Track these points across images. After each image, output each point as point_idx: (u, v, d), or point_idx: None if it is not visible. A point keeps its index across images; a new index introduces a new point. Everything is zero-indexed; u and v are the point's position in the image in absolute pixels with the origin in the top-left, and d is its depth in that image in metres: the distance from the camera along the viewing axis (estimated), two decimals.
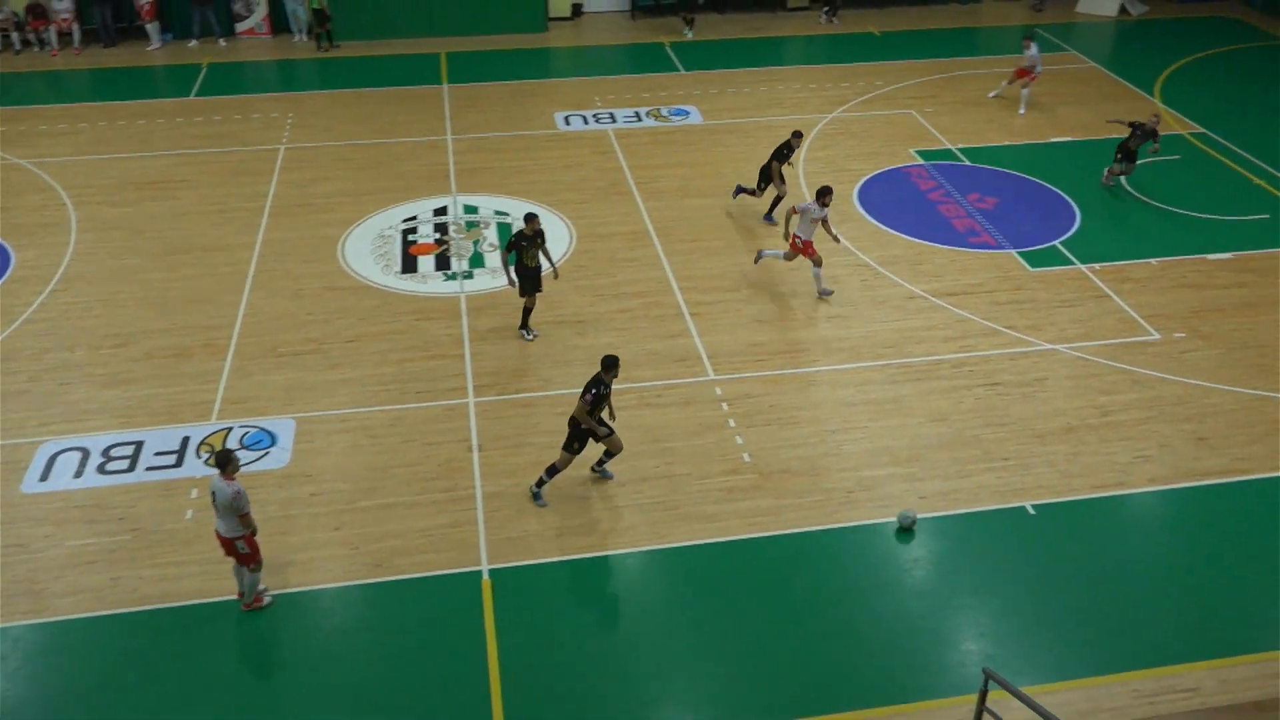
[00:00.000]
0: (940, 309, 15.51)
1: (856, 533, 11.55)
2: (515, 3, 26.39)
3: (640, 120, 21.66)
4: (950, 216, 18.05)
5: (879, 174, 19.58)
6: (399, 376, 13.86)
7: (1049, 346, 14.69)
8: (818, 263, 15.16)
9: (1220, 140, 21.00)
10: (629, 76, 24.03)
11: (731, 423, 13.16)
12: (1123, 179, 18.82)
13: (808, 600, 10.63)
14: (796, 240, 15.14)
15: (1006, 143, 20.89)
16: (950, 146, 20.60)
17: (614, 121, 21.63)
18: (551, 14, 27.43)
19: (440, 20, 26.31)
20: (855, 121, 21.71)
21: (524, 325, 14.58)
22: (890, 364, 14.29)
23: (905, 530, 11.55)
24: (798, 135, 17.20)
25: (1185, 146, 20.86)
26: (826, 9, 27.65)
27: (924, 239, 17.27)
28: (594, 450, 12.35)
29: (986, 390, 13.80)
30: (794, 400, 13.56)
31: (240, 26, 26.37)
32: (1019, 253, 17.01)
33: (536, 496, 11.73)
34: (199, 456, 12.44)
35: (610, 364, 11.20)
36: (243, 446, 12.61)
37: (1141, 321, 15.30)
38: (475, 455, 12.48)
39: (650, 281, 16.07)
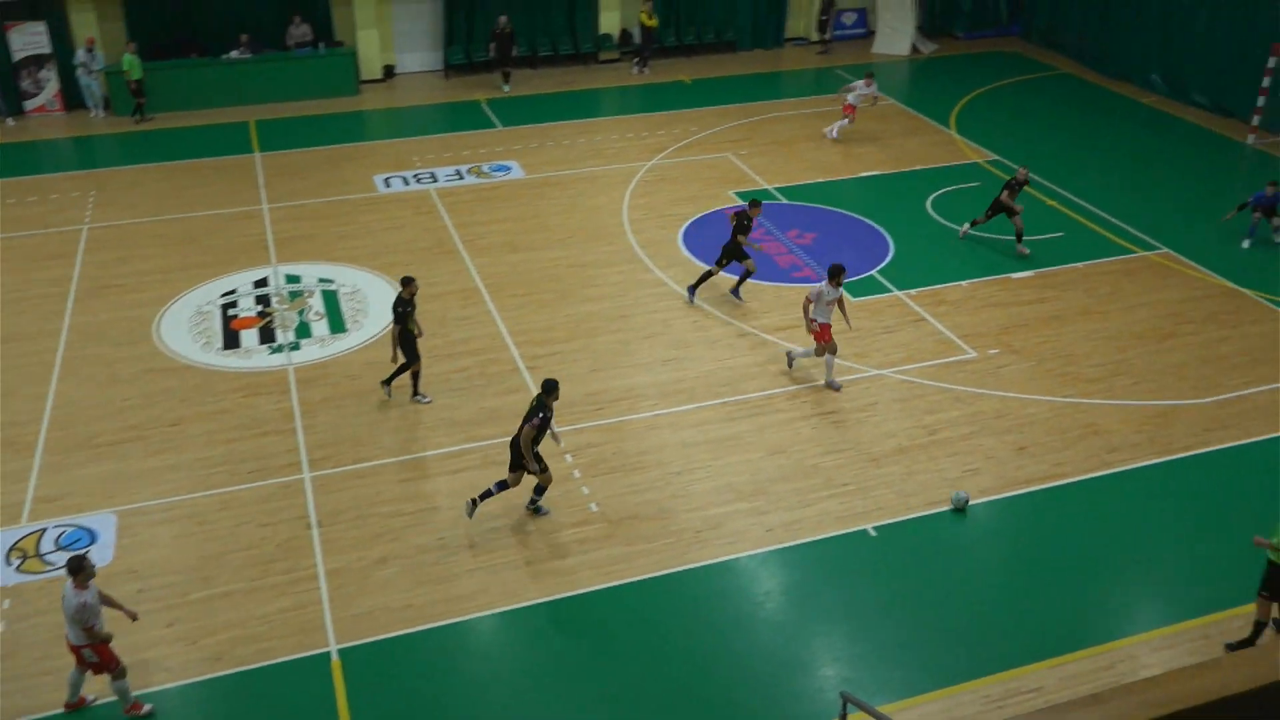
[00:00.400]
0: (771, 344, 15.80)
1: (709, 572, 11.61)
2: (325, 67, 26.09)
3: (462, 178, 21.61)
4: (773, 254, 18.43)
5: (701, 217, 19.98)
6: (228, 457, 13.36)
7: (876, 372, 15.13)
8: (833, 351, 14.43)
9: (1013, 166, 22.26)
10: (447, 135, 23.99)
11: (576, 474, 13.10)
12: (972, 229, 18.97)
13: (668, 643, 10.61)
14: (814, 325, 14.29)
15: (819, 179, 21.62)
16: (767, 186, 21.17)
17: (435, 181, 21.51)
18: (363, 76, 27.19)
19: (248, 88, 25.78)
20: (674, 167, 22.15)
21: (416, 391, 14.37)
22: (727, 402, 14.47)
23: (959, 511, 12.05)
24: (755, 204, 16.45)
25: (983, 174, 22.01)
26: (637, 60, 28.16)
27: (750, 278, 17.68)
28: (526, 488, 12.30)
29: (821, 419, 14.09)
30: (636, 446, 13.58)
31: (30, 104, 25.22)
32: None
33: (474, 506, 11.78)
34: (9, 564, 11.63)
35: (550, 387, 11.35)
36: (58, 548, 11.90)
37: (958, 341, 15.93)
38: (315, 532, 12.11)
39: (485, 339, 15.95)
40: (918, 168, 22.06)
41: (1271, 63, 23.09)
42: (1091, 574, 11.60)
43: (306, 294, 17.35)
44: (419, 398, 14.34)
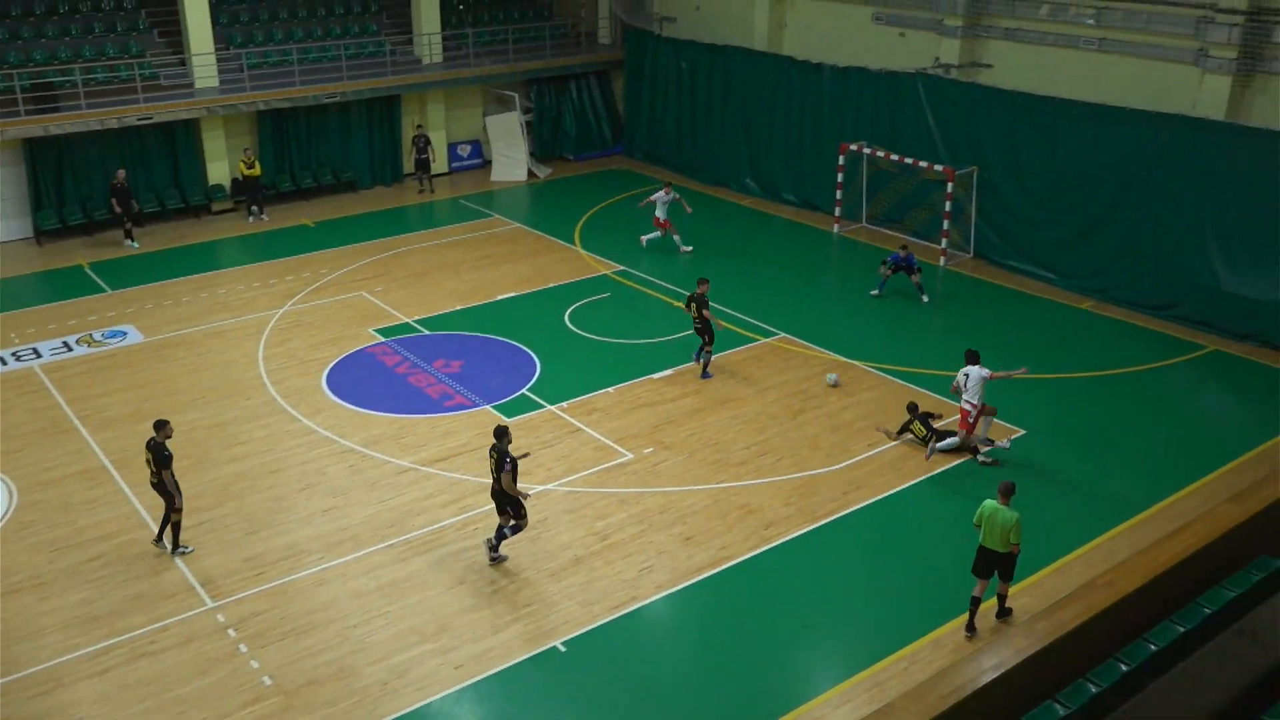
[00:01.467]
0: (433, 476, 15.58)
1: None
2: None
3: (71, 350, 19.97)
4: (422, 386, 18.34)
5: (344, 358, 19.54)
6: None
7: (542, 488, 15.20)
8: (970, 430, 15.38)
9: (637, 273, 23.57)
10: (48, 305, 22.12)
11: (243, 648, 12.19)
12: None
13: None
14: (969, 409, 15.31)
15: (459, 307, 21.79)
16: (407, 319, 21.10)
17: (39, 356, 19.74)
18: None
19: None
20: (309, 311, 21.56)
21: (175, 543, 13.92)
22: (395, 542, 14.07)
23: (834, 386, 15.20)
24: (703, 281, 18.15)
25: (612, 284, 22.99)
26: (251, 207, 27.42)
27: (402, 413, 17.40)
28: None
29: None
30: (306, 605, 12.86)
31: None
32: (493, 407, 17.57)
33: (494, 550, 12.94)
34: None
35: (502, 432, 12.66)
36: None
37: (614, 446, 16.33)
38: None
39: (118, 520, 14.66)
40: (551, 285, 22.74)
41: (841, 160, 26.00)
42: (769, 647, 12.05)
43: None
44: (183, 547, 13.90)
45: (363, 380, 18.38)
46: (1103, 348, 19.97)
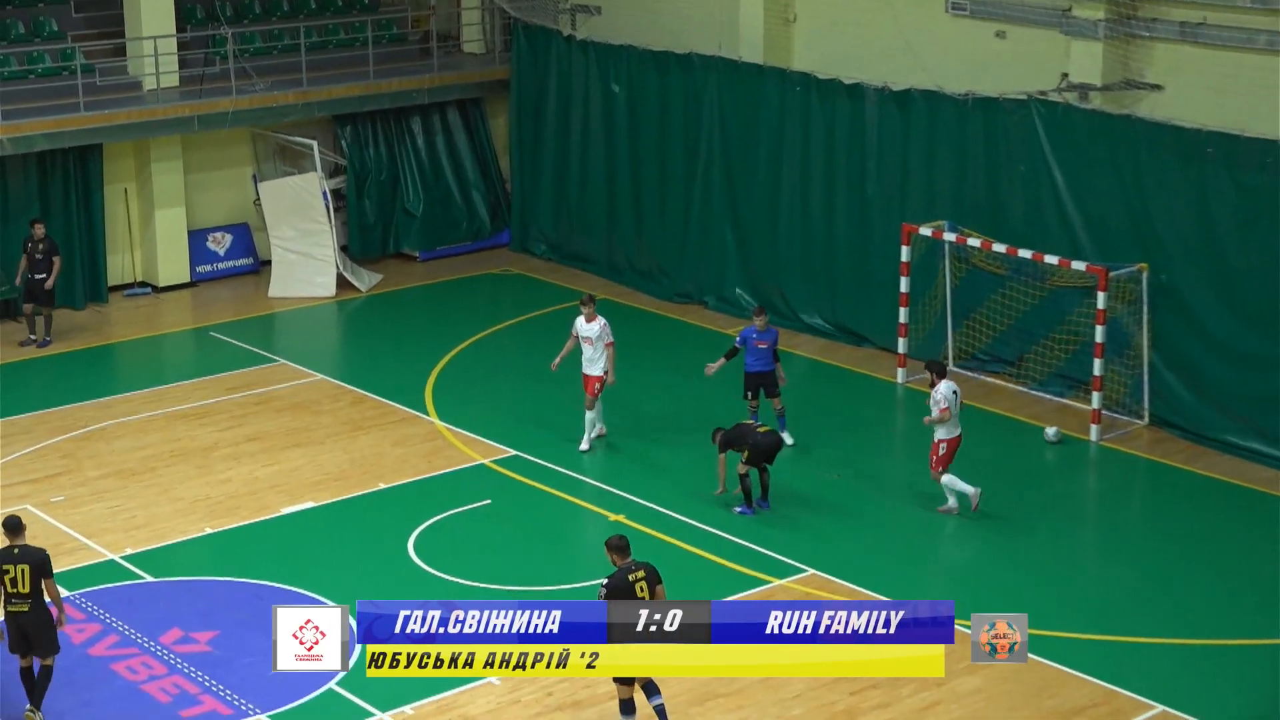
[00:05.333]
0: None
1: None
2: None
3: None
4: (139, 680, 18.34)
5: None
6: None
7: None
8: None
9: (533, 459, 23.68)
10: None
11: None
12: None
13: None
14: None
15: (206, 530, 21.92)
16: (110, 555, 21.18)
17: None
18: None
19: None
20: None
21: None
22: None
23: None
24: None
25: (492, 482, 23.33)
26: None
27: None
28: None
29: None
30: None
31: None
32: (271, 717, 17.58)
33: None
34: None
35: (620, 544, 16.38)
36: None
37: None
38: None
39: None
40: (383, 486, 23.11)
41: (905, 254, 26.19)
42: None
43: None
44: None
45: (13, 675, 17.52)
46: None
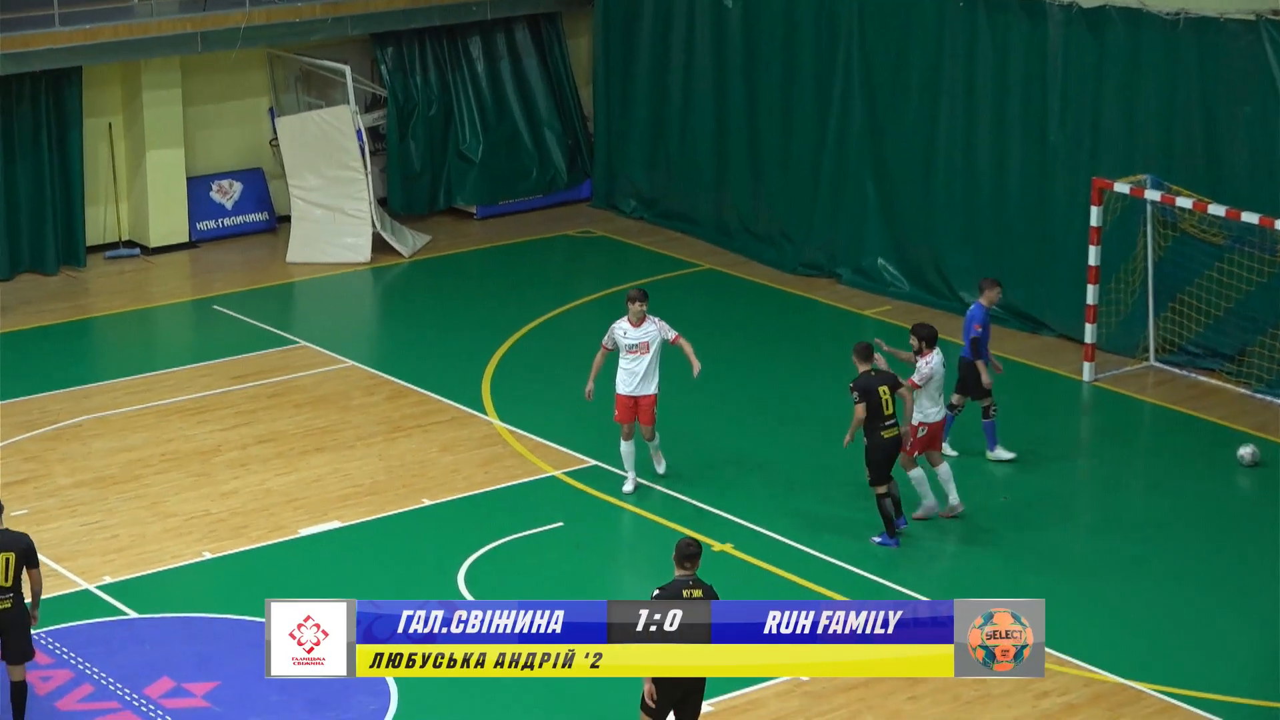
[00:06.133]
0: None
1: None
2: None
3: None
4: None
5: None
6: None
7: None
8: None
9: (618, 470, 22.89)
10: None
11: None
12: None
13: None
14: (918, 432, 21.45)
15: (205, 555, 21.77)
16: (85, 585, 21.01)
17: None
18: None
19: None
20: None
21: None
22: None
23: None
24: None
25: (566, 499, 22.86)
26: None
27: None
28: None
29: None
30: None
31: None
32: None
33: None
34: None
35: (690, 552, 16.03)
36: None
37: None
38: None
39: None
40: (428, 503, 22.74)
41: (1096, 216, 25.32)
42: None
43: None
44: None
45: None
46: None
